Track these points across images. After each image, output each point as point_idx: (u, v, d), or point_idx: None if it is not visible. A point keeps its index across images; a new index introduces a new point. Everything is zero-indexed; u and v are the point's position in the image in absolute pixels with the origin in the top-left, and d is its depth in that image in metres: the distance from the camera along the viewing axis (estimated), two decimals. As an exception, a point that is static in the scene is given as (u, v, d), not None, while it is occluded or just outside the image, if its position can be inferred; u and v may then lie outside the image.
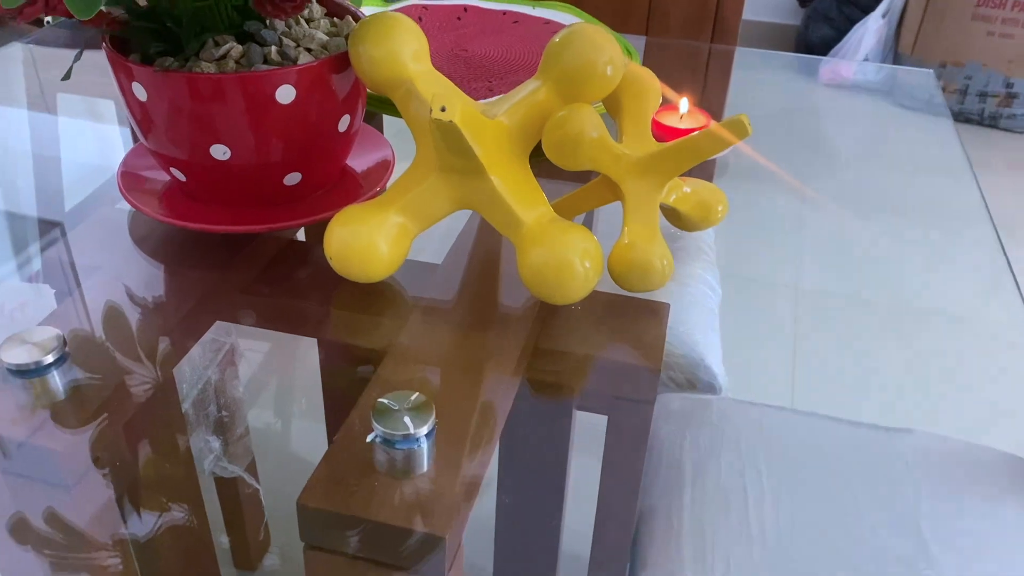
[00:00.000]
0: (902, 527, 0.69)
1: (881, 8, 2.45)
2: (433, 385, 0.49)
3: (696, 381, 0.95)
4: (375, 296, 0.56)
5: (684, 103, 0.70)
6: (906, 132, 2.33)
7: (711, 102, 1.08)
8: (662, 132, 0.70)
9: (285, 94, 0.52)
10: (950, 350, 1.74)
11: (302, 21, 0.58)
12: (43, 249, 0.62)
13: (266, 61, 0.54)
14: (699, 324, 0.94)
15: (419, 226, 0.53)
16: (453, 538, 0.42)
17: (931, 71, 1.25)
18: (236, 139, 0.53)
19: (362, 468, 0.44)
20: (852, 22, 2.48)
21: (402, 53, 0.52)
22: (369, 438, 0.43)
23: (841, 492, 0.74)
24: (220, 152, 0.53)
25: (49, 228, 0.66)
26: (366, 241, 0.51)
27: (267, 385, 1.22)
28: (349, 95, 0.56)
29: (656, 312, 0.61)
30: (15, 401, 0.46)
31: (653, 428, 0.85)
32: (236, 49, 0.53)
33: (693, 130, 0.70)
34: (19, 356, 0.47)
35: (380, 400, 0.44)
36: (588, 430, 0.67)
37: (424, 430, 0.43)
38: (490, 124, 0.50)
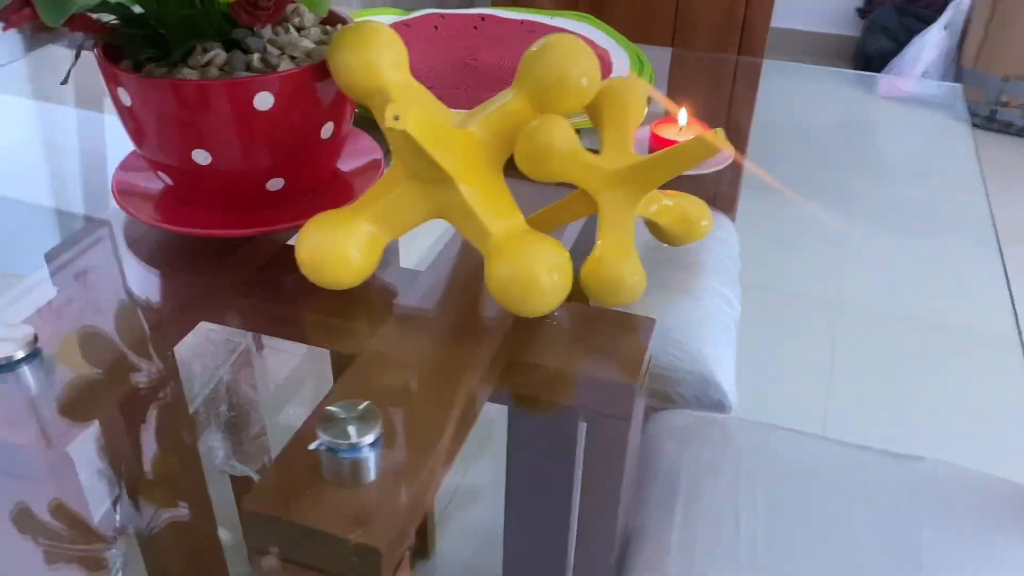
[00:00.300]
0: (901, 557, 0.67)
1: (943, 19, 2.38)
2: (393, 394, 0.49)
3: (705, 398, 0.93)
4: (354, 302, 0.56)
5: (683, 115, 0.69)
6: (963, 148, 2.25)
7: (739, 115, 1.06)
8: (660, 145, 0.69)
9: (263, 101, 0.53)
10: (988, 376, 1.68)
11: (291, 29, 0.59)
12: (50, 247, 0.64)
13: (249, 68, 0.54)
14: (711, 339, 0.93)
15: (390, 234, 0.53)
16: (392, 550, 0.42)
17: (987, 83, 1.21)
18: (216, 144, 0.54)
19: (309, 475, 0.44)
20: (912, 34, 2.41)
21: (379, 62, 0.52)
22: (311, 446, 0.43)
23: (840, 518, 0.71)
24: (202, 157, 0.54)
25: (64, 225, 0.68)
26: (336, 248, 0.51)
27: (302, 385, 1.24)
28: (333, 102, 0.56)
29: (638, 327, 0.60)
30: (-10, 394, 0.48)
31: (654, 444, 0.84)
32: (220, 56, 0.54)
33: (692, 143, 0.69)
34: (-5, 353, 0.48)
35: (328, 408, 0.44)
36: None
37: (369, 439, 0.43)
38: (459, 134, 0.50)
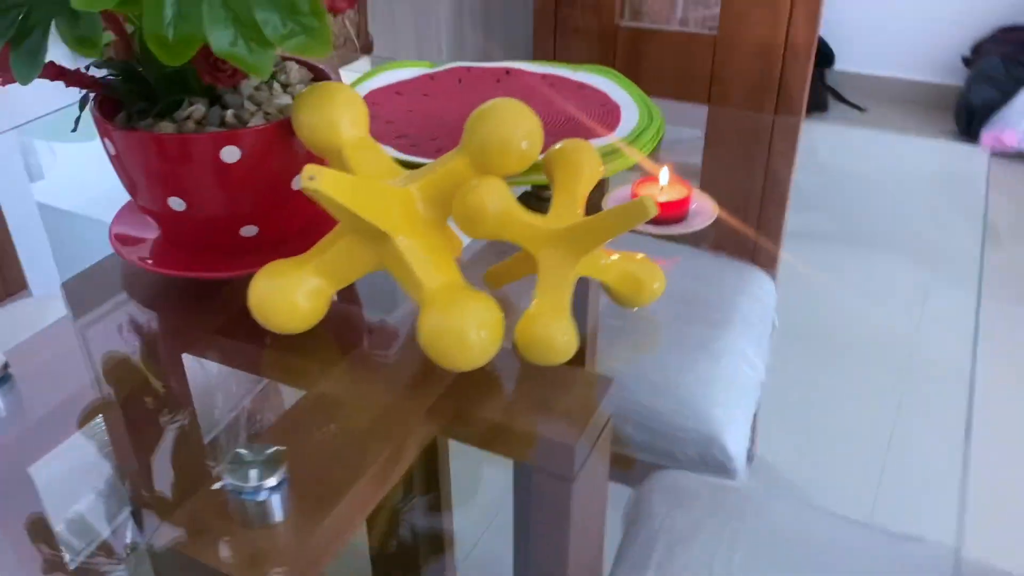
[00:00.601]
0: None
1: (1053, 71, 2.26)
2: (319, 437, 0.51)
3: (709, 459, 0.91)
4: (316, 343, 0.59)
5: (664, 174, 0.69)
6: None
7: (777, 174, 1.05)
8: (642, 203, 0.69)
9: (230, 154, 0.56)
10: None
11: (275, 85, 0.62)
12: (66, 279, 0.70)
13: (223, 123, 0.58)
14: (722, 400, 0.91)
15: (335, 284, 0.55)
16: (277, 593, 0.44)
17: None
18: (188, 193, 0.58)
19: (217, 515, 0.46)
20: (1020, 83, 2.29)
21: (338, 121, 0.55)
22: (215, 487, 0.46)
23: None
24: (177, 203, 0.58)
25: (85, 260, 0.74)
26: (283, 296, 0.54)
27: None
28: (303, 156, 0.59)
29: (593, 385, 0.60)
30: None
31: (644, 502, 0.82)
32: (199, 111, 0.58)
33: (674, 202, 0.69)
34: (-35, 376, 0.53)
35: (237, 451, 0.47)
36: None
37: (271, 483, 0.45)
38: (397, 192, 0.52)
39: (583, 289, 0.71)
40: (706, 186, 0.95)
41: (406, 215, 0.52)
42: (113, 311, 0.65)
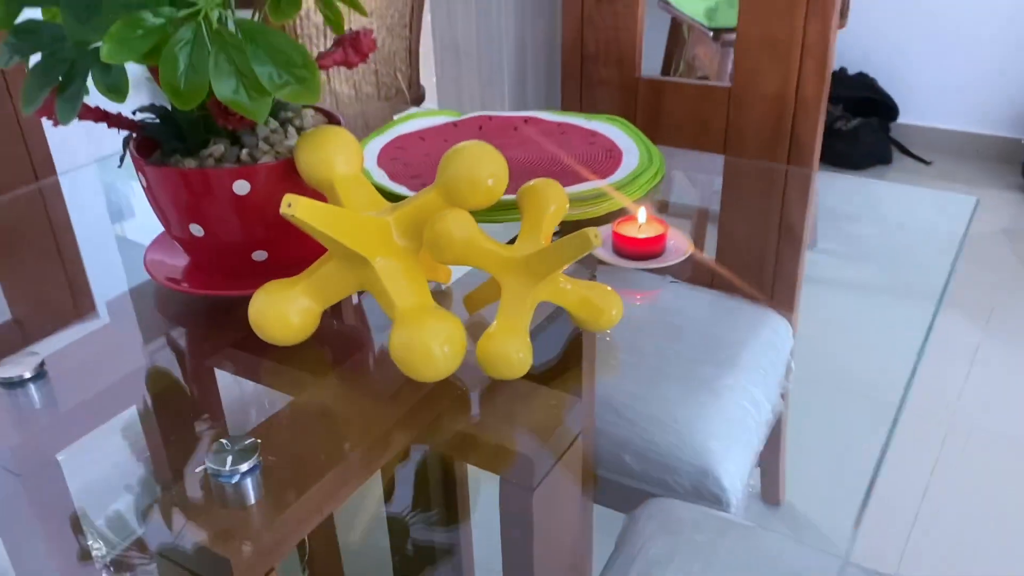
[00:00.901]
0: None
1: (1122, 126, 2.21)
2: (298, 435, 0.58)
3: (703, 490, 0.94)
4: (309, 355, 0.66)
5: (642, 214, 0.74)
6: None
7: (792, 221, 1.09)
8: (621, 242, 0.74)
9: (241, 187, 0.64)
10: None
11: (290, 130, 0.71)
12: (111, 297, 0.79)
13: (239, 160, 0.66)
14: (719, 435, 0.95)
15: (323, 302, 0.62)
16: (246, 565, 0.50)
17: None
18: (207, 220, 0.66)
19: (201, 495, 0.53)
20: (1088, 139, 2.25)
21: (332, 160, 0.63)
22: (197, 470, 0.53)
23: None
24: (197, 230, 0.67)
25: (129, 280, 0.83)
26: (276, 312, 0.61)
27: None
28: (306, 190, 0.67)
29: (559, 403, 0.65)
30: (3, 405, 0.62)
31: (632, 527, 0.86)
32: (219, 149, 0.67)
33: (651, 239, 0.74)
34: (7, 372, 0.62)
35: (220, 440, 0.54)
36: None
37: (243, 468, 0.52)
38: (375, 221, 0.59)
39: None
40: (723, 232, 1.00)
41: (383, 242, 0.59)
42: (144, 324, 0.73)
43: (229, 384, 0.66)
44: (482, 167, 0.59)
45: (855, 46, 2.67)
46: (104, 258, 0.88)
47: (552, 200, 0.63)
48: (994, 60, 2.55)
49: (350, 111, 1.30)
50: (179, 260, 0.74)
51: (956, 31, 2.55)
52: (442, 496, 0.79)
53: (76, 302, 0.79)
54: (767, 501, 1.01)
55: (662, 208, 0.97)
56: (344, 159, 0.63)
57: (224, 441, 0.54)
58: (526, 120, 1.01)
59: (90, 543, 0.56)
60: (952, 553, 1.35)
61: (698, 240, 1.13)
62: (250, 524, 0.51)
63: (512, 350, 0.58)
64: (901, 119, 2.70)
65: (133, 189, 1.04)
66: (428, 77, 2.45)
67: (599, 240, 0.55)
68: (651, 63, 2.95)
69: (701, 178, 1.18)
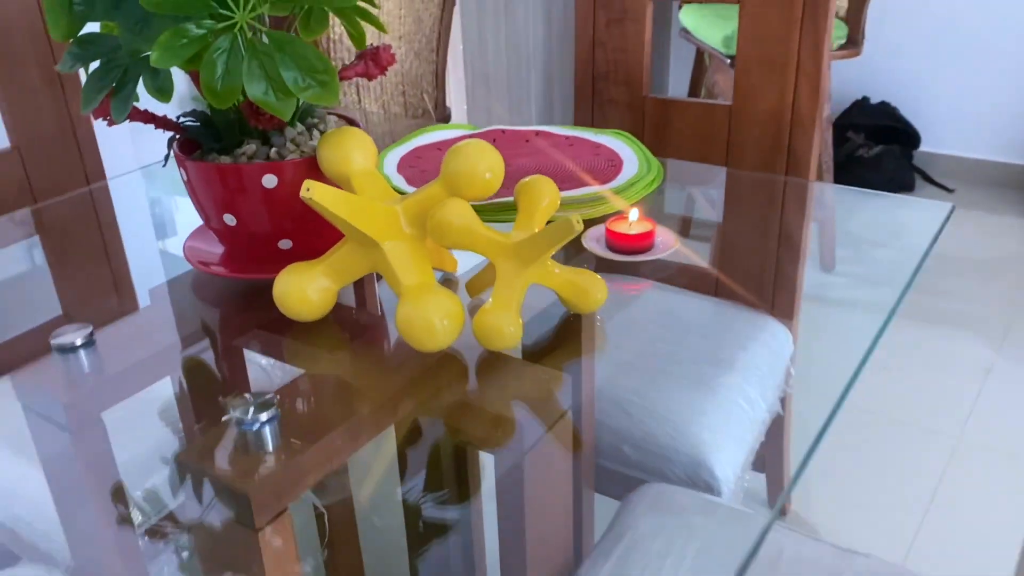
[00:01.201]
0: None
1: None
2: (313, 396, 0.65)
3: (696, 479, 1.00)
4: (326, 333, 0.73)
5: (633, 214, 0.81)
6: None
7: (791, 230, 1.14)
8: (613, 237, 0.81)
9: (269, 181, 0.72)
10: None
11: (315, 132, 0.79)
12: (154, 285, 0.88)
13: (268, 158, 0.75)
14: (713, 427, 1.01)
15: (339, 282, 0.70)
16: (263, 500, 0.57)
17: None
18: (238, 210, 0.74)
19: (226, 442, 0.61)
20: (1107, 167, 2.27)
21: (350, 156, 0.71)
22: (223, 418, 0.60)
23: None
24: (230, 220, 0.75)
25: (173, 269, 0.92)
26: (297, 291, 0.69)
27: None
28: (327, 184, 0.75)
29: (550, 380, 0.72)
30: (56, 368, 0.70)
31: (625, 508, 0.92)
32: (251, 148, 0.75)
33: (640, 235, 0.81)
34: (61, 339, 0.70)
35: (244, 394, 0.61)
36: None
37: (262, 418, 0.59)
38: (383, 208, 0.67)
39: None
40: (725, 241, 1.06)
41: (392, 228, 0.67)
42: (181, 306, 0.81)
43: (255, 359, 0.74)
44: (480, 162, 0.66)
45: (878, 75, 2.72)
46: (146, 252, 0.97)
47: (545, 194, 0.70)
48: (1014, 90, 2.58)
49: (379, 129, 1.38)
50: (214, 248, 0.83)
51: (977, 61, 2.59)
52: (454, 476, 0.86)
53: (121, 288, 0.88)
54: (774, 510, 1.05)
55: (671, 220, 1.04)
56: (360, 156, 0.71)
57: (247, 395, 0.61)
58: (537, 133, 1.09)
59: (131, 508, 0.63)
60: (952, 560, 1.38)
61: (683, 230, 1.19)
62: (268, 466, 0.59)
63: (504, 324, 0.65)
64: (923, 147, 2.74)
65: (172, 193, 1.13)
66: (459, 104, 2.55)
67: (580, 226, 0.62)
68: (678, 90, 3.03)
69: (709, 190, 1.25)
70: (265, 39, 0.66)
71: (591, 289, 0.70)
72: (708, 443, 1.00)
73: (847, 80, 2.75)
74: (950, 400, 1.77)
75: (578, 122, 1.27)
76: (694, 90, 2.60)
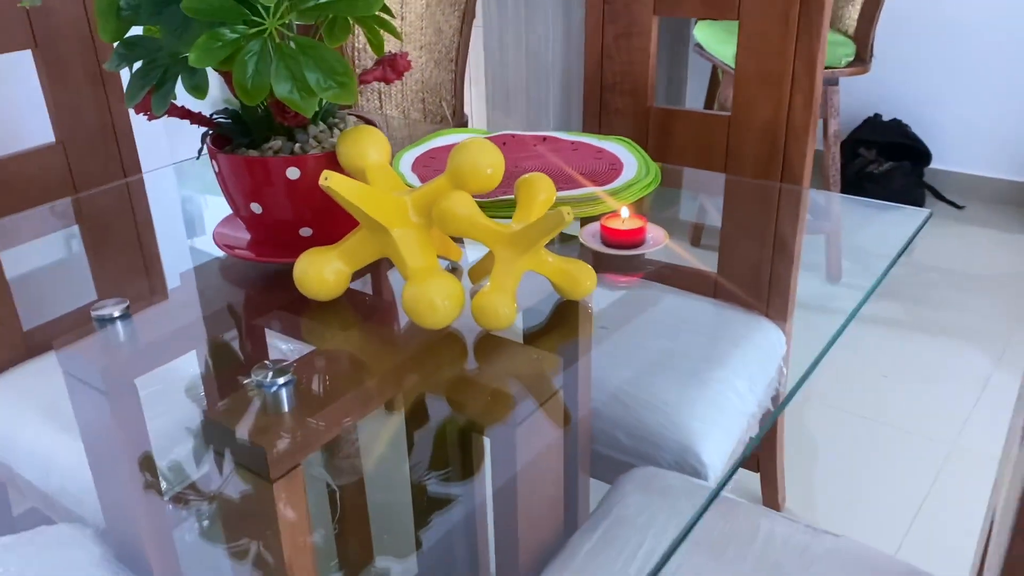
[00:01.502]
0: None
1: None
2: (325, 369, 0.72)
3: (684, 464, 1.07)
4: (336, 314, 0.80)
5: (625, 211, 0.87)
6: None
7: (785, 233, 1.20)
8: (608, 233, 0.88)
9: (292, 173, 0.80)
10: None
11: (336, 131, 0.86)
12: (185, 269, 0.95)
13: (292, 153, 0.82)
14: (702, 416, 1.07)
15: (353, 265, 0.77)
16: (278, 455, 0.64)
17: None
18: (263, 199, 0.82)
19: (249, 404, 0.68)
20: (1114, 187, 2.31)
21: (366, 151, 0.78)
22: (245, 381, 0.67)
23: (721, 567, 0.83)
24: (256, 208, 0.82)
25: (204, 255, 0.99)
26: (314, 272, 0.76)
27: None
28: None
29: (544, 362, 0.78)
30: (95, 338, 0.77)
31: (615, 489, 0.99)
32: (277, 143, 0.83)
33: (632, 230, 0.87)
34: (101, 311, 0.78)
35: (264, 362, 0.68)
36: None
37: (280, 382, 0.66)
38: (394, 198, 0.74)
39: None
40: (723, 242, 1.12)
41: (401, 216, 0.74)
42: (210, 287, 0.89)
43: (276, 334, 0.81)
44: (482, 158, 0.73)
45: (890, 93, 2.77)
46: (176, 240, 1.05)
47: (542, 190, 0.76)
48: (1022, 107, 2.63)
49: (399, 133, 1.46)
50: (241, 235, 0.90)
51: (989, 80, 2.64)
52: (457, 451, 0.92)
53: (153, 272, 0.96)
54: (769, 507, 1.11)
55: (673, 223, 1.10)
56: (375, 151, 0.78)
57: (267, 362, 0.68)
58: (544, 138, 1.16)
59: (159, 473, 0.70)
60: (941, 554, 1.42)
61: (694, 240, 1.26)
62: (283, 425, 0.66)
63: (500, 305, 0.72)
64: (935, 164, 2.78)
65: (201, 187, 1.21)
66: (481, 112, 2.63)
67: (571, 217, 0.69)
68: (696, 103, 3.09)
69: (708, 196, 1.31)
70: (292, 44, 0.73)
71: (581, 277, 0.76)
72: (697, 431, 1.06)
73: (859, 98, 2.80)
74: (948, 408, 1.81)
75: (587, 130, 1.34)
76: (709, 103, 2.66)
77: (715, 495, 0.67)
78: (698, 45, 2.24)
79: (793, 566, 0.83)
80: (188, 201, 1.20)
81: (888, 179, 2.62)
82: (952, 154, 2.76)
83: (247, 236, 0.90)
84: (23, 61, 1.15)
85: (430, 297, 0.71)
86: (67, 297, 0.93)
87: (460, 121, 1.69)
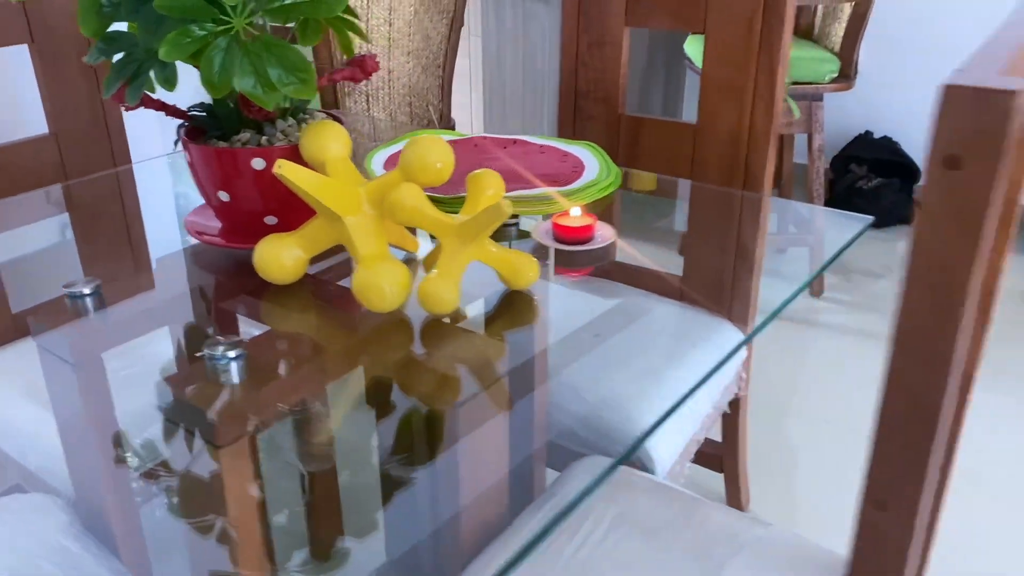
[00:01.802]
0: None
1: None
2: (275, 348, 0.77)
3: (635, 457, 1.11)
4: (295, 298, 0.85)
5: (576, 210, 0.92)
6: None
7: (746, 239, 1.24)
8: (559, 230, 0.92)
9: (257, 163, 0.85)
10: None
11: (303, 126, 0.91)
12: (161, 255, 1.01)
13: (259, 145, 0.87)
14: (652, 412, 1.11)
15: (309, 251, 0.82)
16: (224, 421, 0.69)
17: None
18: (230, 189, 0.86)
19: (201, 374, 0.73)
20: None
21: (326, 144, 0.83)
22: (198, 354, 0.72)
23: (654, 555, 0.87)
24: (224, 196, 0.87)
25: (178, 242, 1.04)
26: (273, 257, 0.81)
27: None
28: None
29: (489, 347, 0.83)
30: (67, 311, 0.82)
31: (563, 476, 1.03)
32: (245, 136, 0.88)
33: (581, 227, 0.92)
34: (72, 289, 0.83)
35: (217, 338, 0.73)
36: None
37: (231, 355, 0.71)
38: (348, 188, 0.79)
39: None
40: (688, 248, 1.16)
41: (354, 206, 0.79)
42: (180, 271, 0.94)
43: (239, 317, 0.86)
44: (431, 154, 0.78)
45: (881, 110, 2.81)
46: (162, 226, 1.10)
47: (489, 185, 0.81)
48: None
49: (386, 135, 1.51)
50: (212, 223, 0.95)
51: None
52: (404, 435, 0.96)
53: (136, 256, 1.01)
54: (733, 507, 1.15)
55: (634, 227, 1.14)
56: (336, 145, 0.83)
57: (220, 337, 0.73)
58: (515, 141, 1.21)
59: (125, 444, 0.75)
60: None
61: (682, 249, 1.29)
62: (232, 395, 0.70)
63: (443, 291, 0.76)
64: (923, 182, 2.82)
65: (188, 178, 1.26)
66: (478, 117, 2.68)
67: (511, 209, 0.73)
68: (690, 114, 3.14)
69: (672, 200, 1.36)
70: (258, 42, 0.78)
71: (524, 267, 0.81)
72: (646, 425, 1.10)
73: (851, 115, 2.84)
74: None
75: (562, 135, 1.39)
76: (703, 117, 2.70)
77: (609, 470, 0.71)
78: (687, 59, 2.29)
79: (721, 551, 0.87)
80: (172, 190, 1.25)
81: (877, 195, 2.66)
82: (942, 172, 2.80)
83: (218, 224, 0.95)
84: (20, 55, 1.21)
85: (378, 282, 0.76)
86: (55, 281, 0.98)
87: (447, 124, 1.74)
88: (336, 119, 0.95)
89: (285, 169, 0.74)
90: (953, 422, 0.86)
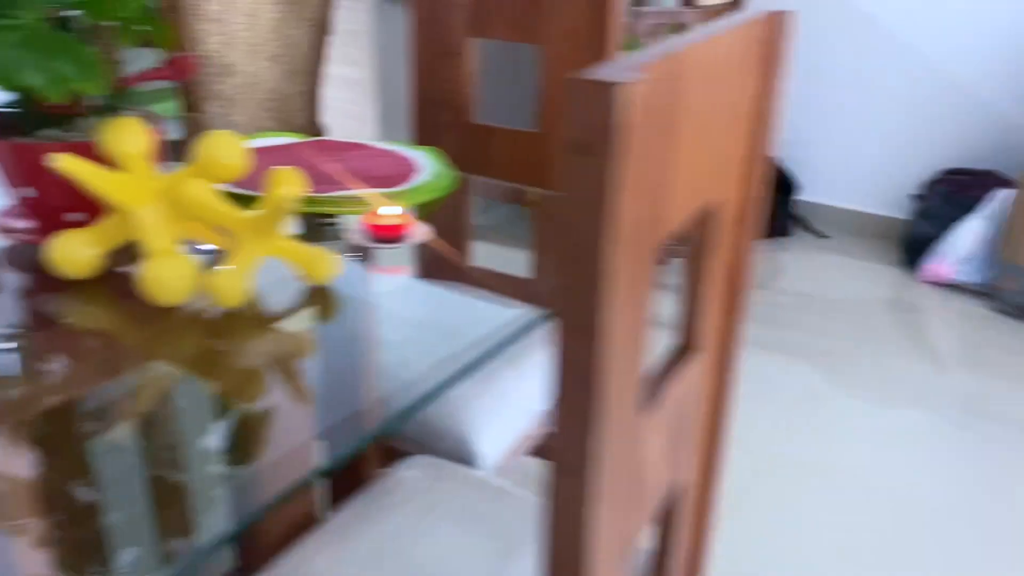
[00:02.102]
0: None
1: (984, 210, 2.43)
2: (63, 339, 0.77)
3: (460, 453, 1.13)
4: (96, 292, 0.85)
5: (388, 210, 0.95)
6: (1001, 339, 2.27)
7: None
8: (370, 229, 0.95)
9: (53, 159, 0.85)
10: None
11: (112, 123, 0.91)
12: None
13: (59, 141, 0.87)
14: (484, 411, 1.14)
15: (104, 246, 0.82)
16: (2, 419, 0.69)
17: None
18: (36, 185, 0.86)
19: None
20: (956, 221, 2.47)
21: (122, 141, 0.83)
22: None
23: (460, 539, 0.89)
24: (29, 193, 0.87)
25: None
26: (68, 251, 0.81)
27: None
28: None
29: (291, 342, 0.84)
30: None
31: (391, 473, 1.04)
32: (51, 132, 0.88)
33: (393, 226, 0.94)
34: None
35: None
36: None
37: (7, 348, 0.71)
38: (139, 184, 0.79)
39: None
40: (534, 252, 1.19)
41: (144, 201, 0.79)
42: (-14, 268, 0.93)
43: (35, 311, 0.86)
44: (219, 149, 0.79)
45: (766, 128, 2.92)
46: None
47: (283, 182, 0.83)
48: (883, 146, 2.80)
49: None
50: (23, 221, 0.95)
51: (855, 119, 2.81)
52: (198, 430, 0.97)
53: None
54: None
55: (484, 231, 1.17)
56: (133, 141, 0.84)
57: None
58: (357, 145, 1.23)
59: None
60: (754, 563, 1.51)
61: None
62: (7, 390, 0.70)
63: (230, 284, 0.78)
64: (806, 197, 2.94)
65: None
66: (369, 131, 2.69)
67: (288, 204, 0.75)
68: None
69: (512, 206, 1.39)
70: (50, 39, 0.79)
71: (319, 262, 0.83)
72: (476, 425, 1.13)
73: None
74: (777, 423, 1.92)
75: (421, 142, 1.41)
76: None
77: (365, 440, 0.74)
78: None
79: (523, 531, 0.90)
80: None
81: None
82: (820, 187, 2.92)
83: (29, 222, 0.95)
84: None
85: (161, 275, 0.76)
86: None
87: (314, 131, 1.76)
88: (154, 119, 0.96)
89: (61, 163, 0.75)
90: (715, 403, 0.90)
